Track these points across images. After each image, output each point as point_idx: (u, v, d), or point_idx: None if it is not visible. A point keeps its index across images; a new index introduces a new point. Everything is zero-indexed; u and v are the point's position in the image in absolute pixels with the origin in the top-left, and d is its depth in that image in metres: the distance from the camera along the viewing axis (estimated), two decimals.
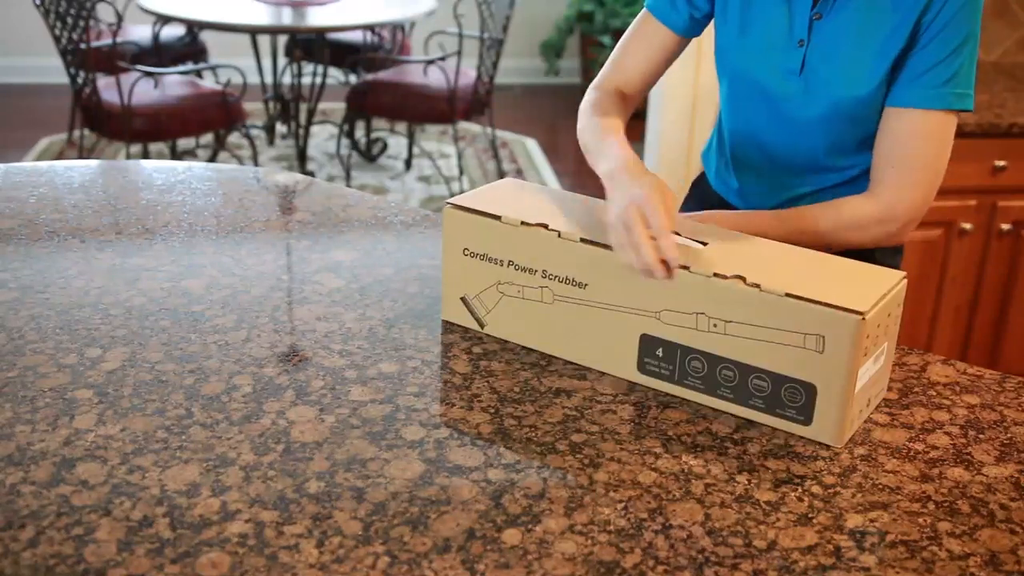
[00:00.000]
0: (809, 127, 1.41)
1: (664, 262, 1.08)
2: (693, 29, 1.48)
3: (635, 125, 5.27)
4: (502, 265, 1.27)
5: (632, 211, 1.11)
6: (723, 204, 1.58)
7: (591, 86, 1.51)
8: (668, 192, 1.14)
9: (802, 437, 1.13)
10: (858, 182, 1.46)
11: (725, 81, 1.50)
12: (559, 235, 1.22)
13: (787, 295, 1.09)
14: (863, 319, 1.06)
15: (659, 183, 1.14)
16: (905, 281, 1.16)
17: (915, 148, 1.32)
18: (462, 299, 1.32)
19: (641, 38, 1.48)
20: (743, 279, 1.12)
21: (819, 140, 1.42)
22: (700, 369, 1.17)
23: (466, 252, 1.29)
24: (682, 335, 1.17)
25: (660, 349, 1.19)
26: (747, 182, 1.53)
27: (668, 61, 1.50)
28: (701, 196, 1.65)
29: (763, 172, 1.50)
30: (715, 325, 1.14)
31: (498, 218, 1.25)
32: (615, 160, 1.24)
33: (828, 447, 1.11)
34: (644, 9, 1.49)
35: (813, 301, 1.08)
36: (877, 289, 1.11)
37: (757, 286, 1.11)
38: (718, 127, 1.59)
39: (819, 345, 1.08)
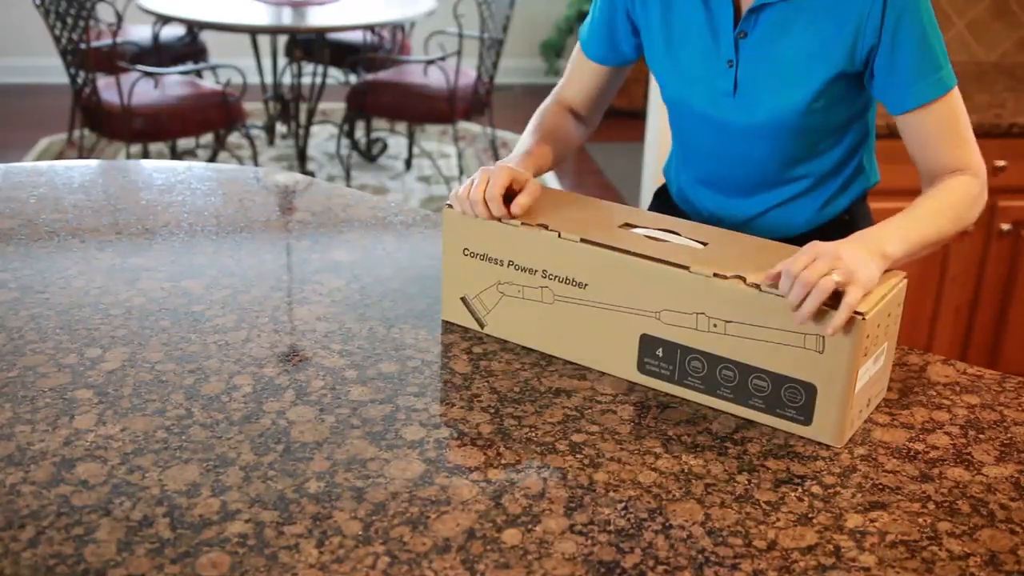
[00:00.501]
0: (755, 145, 1.40)
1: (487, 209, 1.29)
2: (624, 58, 1.49)
3: (635, 125, 5.23)
4: (502, 265, 1.27)
5: (483, 175, 1.29)
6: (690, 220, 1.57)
7: (552, 92, 1.55)
8: (528, 183, 1.29)
9: (802, 437, 1.13)
10: (812, 193, 1.46)
11: (667, 107, 1.51)
12: (559, 235, 1.22)
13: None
14: (863, 319, 1.06)
15: (512, 171, 1.29)
16: (905, 281, 1.16)
17: (949, 130, 1.33)
18: (462, 299, 1.32)
19: (577, 67, 1.53)
20: (743, 279, 1.12)
21: (768, 155, 1.41)
22: (700, 369, 1.17)
23: (466, 252, 1.29)
24: (682, 335, 1.17)
25: (660, 349, 1.19)
26: (707, 202, 1.52)
27: (608, 86, 1.53)
28: (664, 210, 1.62)
29: (719, 192, 1.50)
30: (715, 325, 1.14)
31: (498, 218, 1.25)
32: (514, 152, 1.43)
33: (828, 447, 1.11)
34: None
35: None
36: (877, 289, 1.11)
37: (757, 286, 1.11)
38: (673, 148, 1.58)
39: (819, 345, 1.08)
